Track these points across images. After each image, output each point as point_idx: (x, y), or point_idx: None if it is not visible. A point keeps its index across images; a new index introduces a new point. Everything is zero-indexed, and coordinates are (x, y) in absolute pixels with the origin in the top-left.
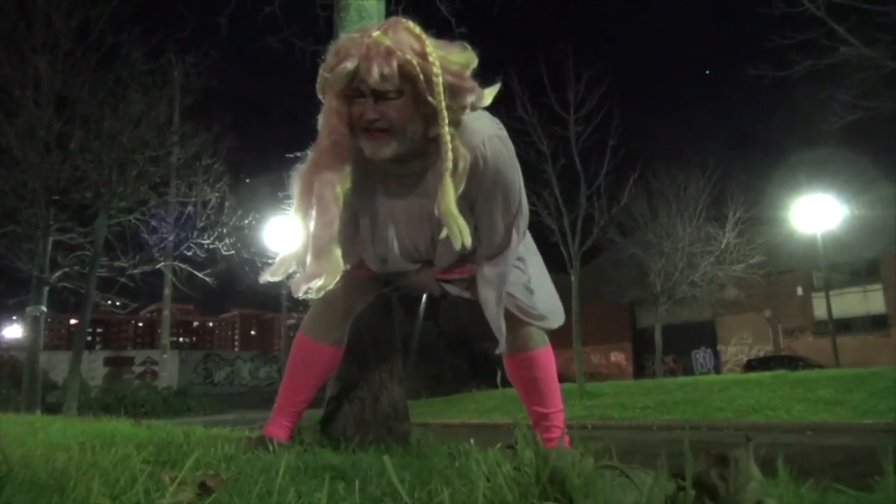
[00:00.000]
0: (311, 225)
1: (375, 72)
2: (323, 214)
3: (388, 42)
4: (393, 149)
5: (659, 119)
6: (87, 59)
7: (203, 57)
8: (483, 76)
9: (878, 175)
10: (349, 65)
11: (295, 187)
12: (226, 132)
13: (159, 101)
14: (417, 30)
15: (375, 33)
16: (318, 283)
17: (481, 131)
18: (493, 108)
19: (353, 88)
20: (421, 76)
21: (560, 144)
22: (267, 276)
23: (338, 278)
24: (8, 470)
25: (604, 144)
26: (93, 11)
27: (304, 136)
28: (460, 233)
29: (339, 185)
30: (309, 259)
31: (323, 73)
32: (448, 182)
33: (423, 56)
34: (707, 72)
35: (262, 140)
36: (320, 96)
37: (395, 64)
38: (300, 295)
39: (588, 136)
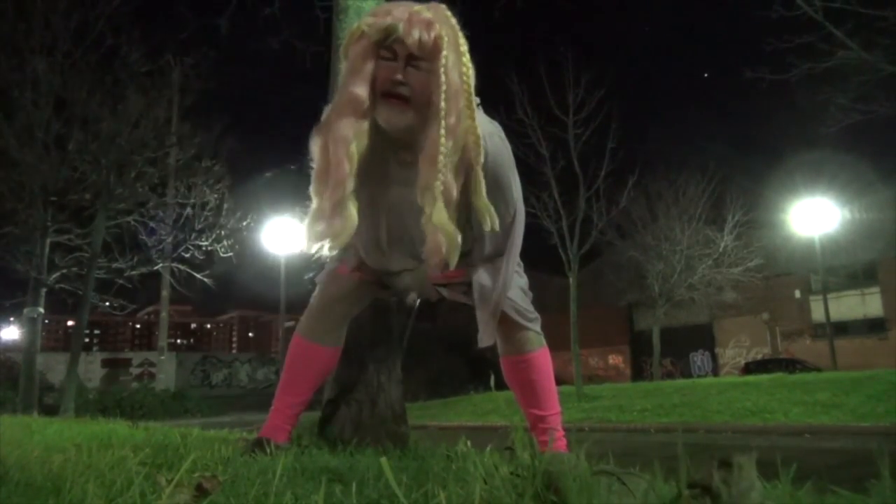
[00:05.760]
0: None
1: (416, 34)
2: (336, 173)
3: (429, 15)
4: (409, 120)
5: (658, 122)
6: (86, 60)
7: (202, 58)
8: (483, 77)
9: (876, 178)
10: (391, 20)
11: (313, 146)
12: (225, 133)
13: (158, 103)
14: (454, 20)
15: (418, 7)
16: (333, 241)
17: (482, 126)
18: (492, 109)
19: (387, 48)
20: (452, 55)
21: (559, 147)
22: (310, 249)
23: (349, 234)
24: (4, 471)
25: (603, 147)
26: (92, 12)
27: (303, 137)
28: (489, 218)
29: (353, 142)
30: (324, 217)
31: (362, 24)
32: (479, 173)
33: (456, 40)
34: (705, 75)
35: (262, 141)
36: (343, 55)
37: (433, 35)
38: (313, 251)
39: (587, 139)
